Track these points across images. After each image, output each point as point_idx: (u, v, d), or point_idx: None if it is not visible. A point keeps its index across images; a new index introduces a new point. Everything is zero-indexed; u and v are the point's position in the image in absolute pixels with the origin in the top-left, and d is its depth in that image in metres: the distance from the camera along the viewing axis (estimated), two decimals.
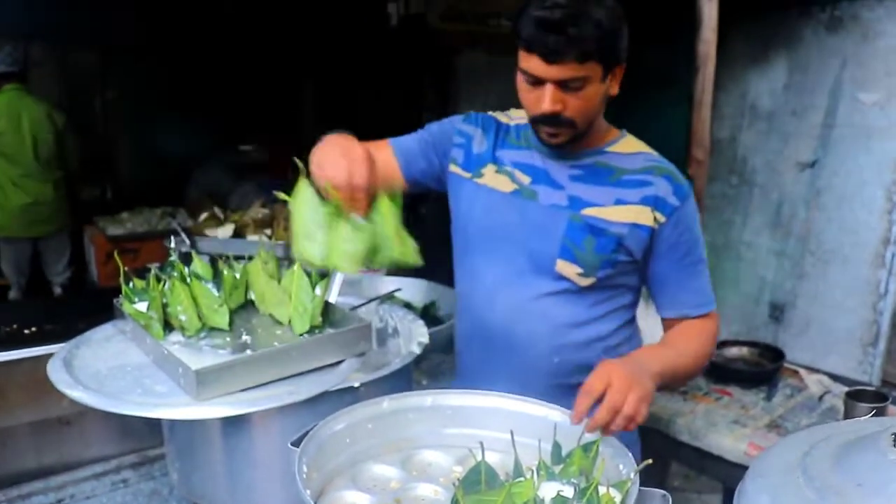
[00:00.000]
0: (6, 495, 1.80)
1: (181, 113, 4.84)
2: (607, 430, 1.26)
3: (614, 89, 1.51)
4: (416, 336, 1.74)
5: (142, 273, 2.67)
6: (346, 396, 1.45)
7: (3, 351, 2.03)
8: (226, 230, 2.75)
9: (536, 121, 1.49)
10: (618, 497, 1.14)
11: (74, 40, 4.68)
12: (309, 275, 1.64)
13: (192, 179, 4.74)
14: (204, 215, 2.88)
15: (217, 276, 1.72)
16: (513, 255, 1.60)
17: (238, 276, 1.70)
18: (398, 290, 2.36)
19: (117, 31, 4.67)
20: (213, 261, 2.00)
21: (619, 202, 1.53)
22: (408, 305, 2.41)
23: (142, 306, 1.55)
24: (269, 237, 2.74)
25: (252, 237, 2.75)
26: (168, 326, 1.56)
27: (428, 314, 2.46)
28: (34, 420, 1.91)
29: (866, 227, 3.34)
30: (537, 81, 1.43)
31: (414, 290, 2.57)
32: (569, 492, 1.16)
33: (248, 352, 1.49)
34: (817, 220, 3.52)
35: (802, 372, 2.45)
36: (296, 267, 1.64)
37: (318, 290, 1.64)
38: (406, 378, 1.68)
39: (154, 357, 1.48)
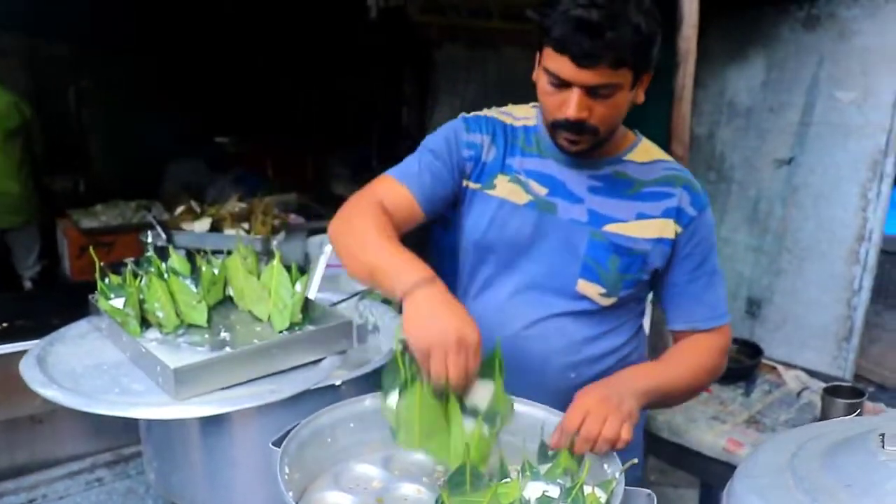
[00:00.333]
0: None
1: (156, 104, 4.77)
2: (596, 453, 1.23)
3: (640, 97, 1.41)
4: (396, 333, 1.71)
5: (117, 267, 2.62)
6: (327, 395, 1.43)
7: None
8: (203, 224, 2.71)
9: (557, 126, 1.40)
10: (603, 497, 1.13)
11: (45, 31, 4.59)
12: (289, 270, 1.62)
13: (167, 172, 4.68)
14: (180, 209, 2.83)
15: (195, 272, 1.69)
16: (530, 271, 1.52)
17: (216, 271, 1.67)
18: None
19: (90, 23, 4.58)
20: (190, 255, 1.97)
21: (641, 216, 1.47)
22: (387, 301, 2.38)
23: (118, 303, 1.52)
24: (247, 231, 2.71)
25: (229, 231, 2.72)
26: (145, 323, 1.53)
27: None
28: (5, 419, 1.87)
29: (841, 224, 3.37)
30: (564, 84, 1.33)
31: None
32: (554, 491, 1.15)
33: (228, 349, 1.46)
34: (794, 217, 3.55)
35: (780, 368, 2.47)
36: (275, 262, 1.61)
37: (298, 287, 1.62)
38: None
39: (131, 355, 1.45)
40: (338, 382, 1.45)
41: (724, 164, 3.79)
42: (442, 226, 1.64)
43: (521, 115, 1.57)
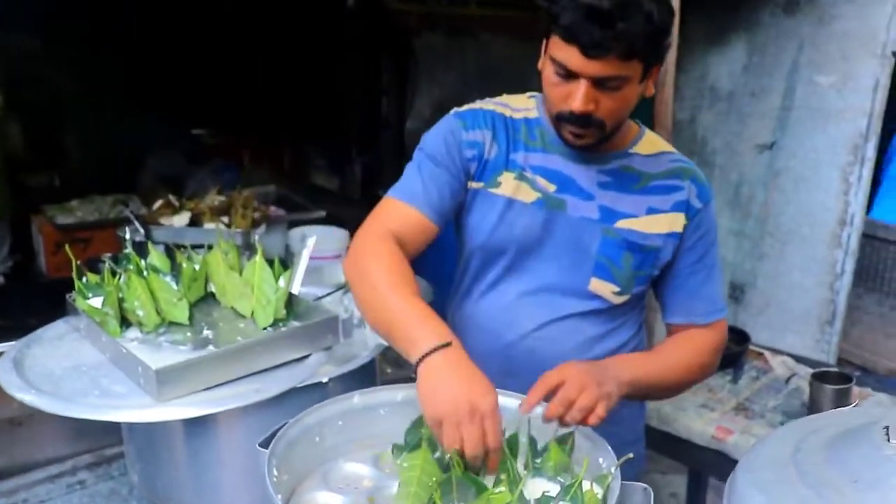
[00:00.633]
0: None
1: (131, 97, 4.69)
2: (564, 422, 1.20)
3: (650, 90, 1.36)
4: None
5: (94, 263, 2.58)
6: (314, 392, 1.40)
7: None
8: (181, 218, 2.66)
9: (562, 118, 1.33)
10: (599, 492, 1.11)
11: (17, 24, 4.49)
12: (271, 265, 1.58)
13: (144, 166, 4.60)
14: (158, 203, 2.78)
15: (175, 269, 1.65)
16: (540, 273, 1.46)
17: (197, 267, 1.63)
18: None
19: (63, 16, 4.49)
20: (170, 250, 1.93)
21: (651, 211, 1.43)
22: None
23: (96, 302, 1.48)
24: (227, 225, 2.66)
25: (209, 225, 2.67)
26: (125, 322, 1.49)
27: None
28: None
29: (823, 208, 3.38)
30: (570, 75, 1.27)
31: None
32: (553, 489, 1.13)
33: (210, 347, 1.43)
34: (776, 201, 3.55)
35: (767, 354, 2.47)
36: (257, 257, 1.58)
37: (281, 282, 1.58)
38: (372, 371, 1.63)
39: (111, 355, 1.41)
40: (325, 379, 1.42)
41: (706, 149, 3.79)
42: None
43: (520, 106, 1.50)
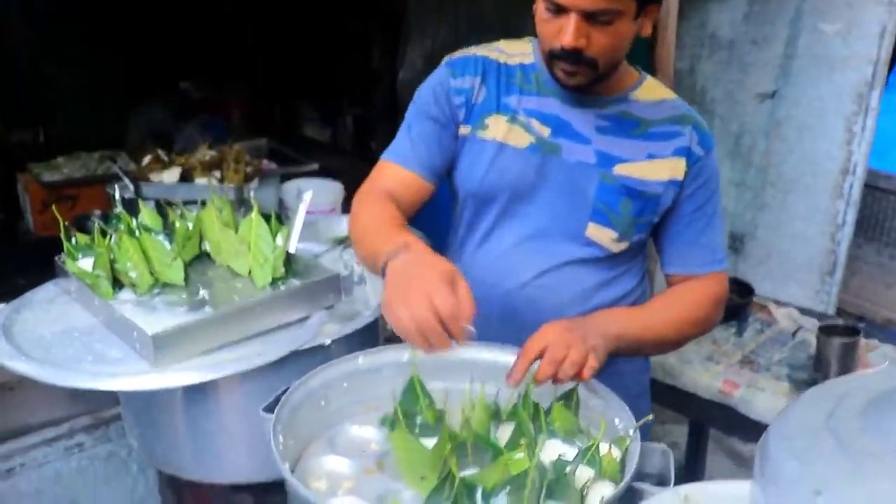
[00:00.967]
0: None
1: (115, 51, 4.55)
2: (557, 380, 1.16)
3: (647, 29, 1.32)
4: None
5: (83, 221, 2.51)
6: (316, 354, 1.35)
7: None
8: (172, 174, 2.58)
9: (553, 55, 1.30)
10: (617, 455, 1.07)
11: None
12: (268, 221, 1.53)
13: (131, 121, 4.49)
14: (147, 158, 2.69)
15: (167, 227, 1.59)
16: (535, 219, 1.43)
17: (191, 225, 1.57)
18: None
19: None
20: (161, 208, 1.86)
21: (651, 157, 1.39)
22: None
23: (86, 263, 1.42)
24: (220, 180, 2.58)
25: (200, 180, 2.59)
26: (117, 284, 1.43)
27: None
28: None
29: (826, 157, 3.33)
30: (560, 10, 1.24)
31: None
32: (567, 451, 1.10)
33: (207, 308, 1.37)
34: (777, 151, 3.50)
35: (771, 306, 2.44)
36: (253, 213, 1.52)
37: (279, 240, 1.53)
38: (375, 330, 1.58)
39: (104, 319, 1.35)
40: (327, 341, 1.37)
41: (706, 99, 3.72)
42: None
43: (516, 51, 1.46)
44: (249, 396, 1.32)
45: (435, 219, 1.71)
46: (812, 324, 2.29)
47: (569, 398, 1.18)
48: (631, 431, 1.08)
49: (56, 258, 1.47)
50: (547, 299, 1.44)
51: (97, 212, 2.71)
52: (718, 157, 1.56)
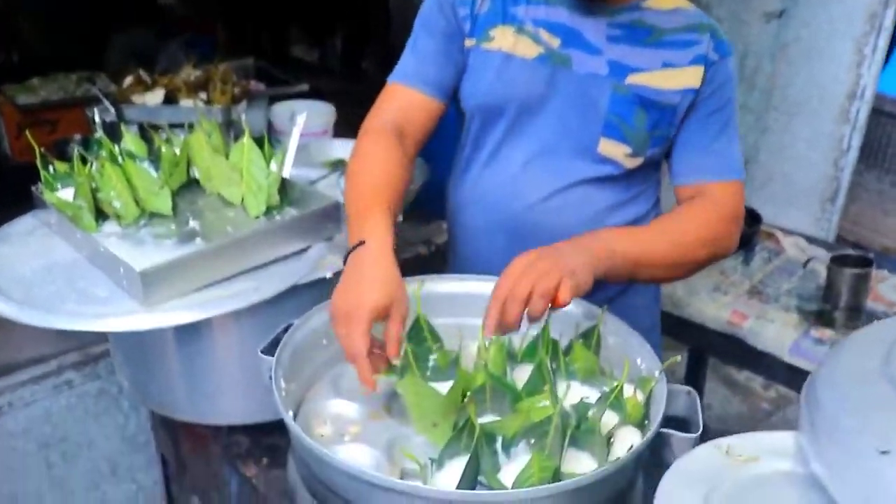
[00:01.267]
0: None
1: None
2: (532, 317, 1.03)
3: None
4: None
5: (63, 146, 2.38)
6: (315, 289, 1.28)
7: None
8: (155, 96, 2.44)
9: None
10: (640, 397, 1.01)
11: None
12: (260, 145, 1.43)
13: (111, 43, 4.28)
14: (128, 80, 2.54)
15: (152, 153, 1.49)
16: (544, 135, 1.35)
17: (177, 151, 1.46)
18: None
19: None
20: (144, 132, 1.75)
21: (667, 65, 1.29)
22: None
23: (66, 193, 1.32)
24: (206, 102, 2.45)
25: (186, 102, 2.45)
26: (100, 214, 1.33)
27: None
28: None
29: (833, 80, 3.23)
30: None
31: None
32: (589, 394, 1.03)
33: (198, 240, 1.29)
34: (783, 74, 3.39)
35: (779, 234, 2.37)
36: (245, 138, 1.42)
37: (273, 165, 1.43)
38: None
39: (87, 253, 1.26)
40: (328, 274, 1.29)
41: (710, 17, 3.58)
42: None
43: None
44: (246, 335, 1.25)
45: (437, 138, 1.63)
46: (821, 254, 2.23)
47: (588, 336, 1.11)
48: (657, 373, 1.02)
49: (33, 188, 1.37)
50: (556, 222, 1.36)
51: (77, 137, 2.58)
52: None
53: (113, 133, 1.78)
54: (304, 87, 3.05)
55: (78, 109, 2.76)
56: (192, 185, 1.49)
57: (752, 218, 2.40)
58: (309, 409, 1.10)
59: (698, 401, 1.00)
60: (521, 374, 1.08)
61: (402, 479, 0.96)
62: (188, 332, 1.20)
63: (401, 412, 1.08)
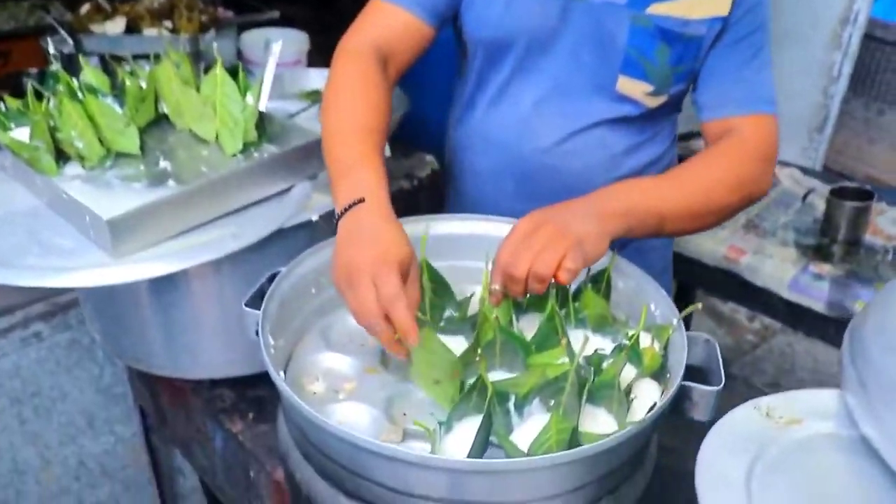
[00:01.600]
0: None
1: None
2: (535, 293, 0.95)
3: None
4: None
5: (16, 81, 2.22)
6: (301, 233, 1.18)
7: None
8: (116, 25, 2.28)
9: None
10: (657, 346, 0.94)
11: None
12: (234, 77, 1.31)
13: None
14: (86, 7, 2.37)
15: (116, 87, 1.36)
16: (557, 73, 1.23)
17: (144, 84, 1.34)
18: None
19: None
20: (106, 64, 1.62)
21: None
22: None
23: (22, 134, 1.20)
24: (172, 30, 2.30)
25: (149, 31, 2.30)
26: (61, 156, 1.22)
27: None
28: None
29: (825, 4, 3.12)
30: None
31: None
32: (602, 344, 0.96)
33: (171, 182, 1.18)
34: (775, 0, 3.27)
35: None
36: (217, 69, 1.30)
37: (249, 98, 1.32)
38: None
39: (48, 200, 1.15)
40: (314, 217, 1.19)
41: None
42: None
43: None
44: (226, 283, 1.16)
45: (433, 80, 1.51)
46: (817, 185, 2.17)
47: (598, 281, 1.03)
48: (674, 321, 0.95)
49: None
50: (569, 166, 1.27)
51: (33, 70, 2.42)
52: None
53: (71, 66, 1.64)
54: (275, 14, 2.88)
55: (31, 40, 2.59)
56: (160, 121, 1.38)
57: None
58: (299, 364, 1.02)
59: (717, 349, 0.93)
60: (528, 324, 1.00)
61: (404, 441, 0.89)
62: (163, 284, 1.10)
63: (398, 366, 1.00)
